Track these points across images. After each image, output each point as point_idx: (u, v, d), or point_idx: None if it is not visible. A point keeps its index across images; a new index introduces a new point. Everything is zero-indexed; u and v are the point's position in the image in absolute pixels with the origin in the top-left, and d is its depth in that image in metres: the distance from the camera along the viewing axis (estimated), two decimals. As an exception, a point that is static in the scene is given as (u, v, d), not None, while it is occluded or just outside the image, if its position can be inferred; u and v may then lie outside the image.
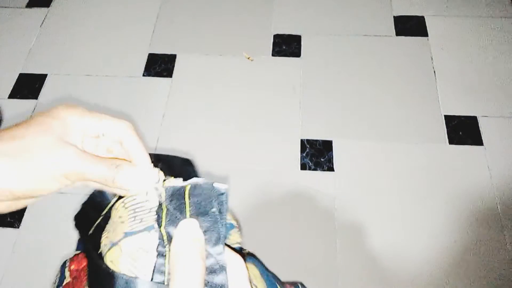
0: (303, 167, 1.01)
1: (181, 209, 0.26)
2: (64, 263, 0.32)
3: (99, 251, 0.26)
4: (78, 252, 0.33)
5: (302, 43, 1.23)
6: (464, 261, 0.89)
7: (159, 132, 1.09)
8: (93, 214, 0.29)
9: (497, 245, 0.90)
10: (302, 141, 1.05)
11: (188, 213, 0.25)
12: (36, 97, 1.16)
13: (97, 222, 0.29)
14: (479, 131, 1.04)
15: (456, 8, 1.27)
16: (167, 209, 0.26)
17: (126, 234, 0.25)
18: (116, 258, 0.24)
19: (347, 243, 0.92)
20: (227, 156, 1.04)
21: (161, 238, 0.25)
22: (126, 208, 0.26)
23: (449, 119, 1.07)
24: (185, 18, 1.31)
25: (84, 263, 0.29)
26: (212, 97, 1.15)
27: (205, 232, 0.25)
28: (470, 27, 1.23)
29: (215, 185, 0.26)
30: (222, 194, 0.26)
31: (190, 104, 1.14)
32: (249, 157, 1.04)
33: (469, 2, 1.28)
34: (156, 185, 0.27)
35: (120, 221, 0.26)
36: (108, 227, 0.27)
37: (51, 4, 1.37)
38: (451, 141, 1.03)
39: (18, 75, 1.21)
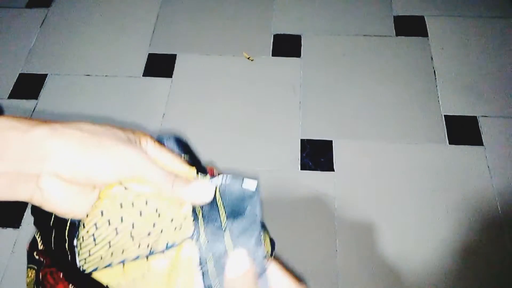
0: (303, 167, 1.01)
1: (215, 212, 0.25)
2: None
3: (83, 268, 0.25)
4: (32, 269, 0.30)
5: (302, 43, 1.23)
6: (463, 260, 0.89)
7: (159, 132, 1.09)
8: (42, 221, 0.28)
9: (497, 245, 0.90)
10: (302, 141, 1.05)
11: (223, 217, 0.25)
12: (36, 97, 1.16)
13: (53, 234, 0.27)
14: (479, 131, 1.04)
15: (456, 8, 1.27)
16: (202, 213, 0.25)
17: (168, 246, 0.24)
18: (163, 269, 0.24)
19: (347, 243, 0.92)
20: (227, 156, 1.04)
21: (201, 247, 0.24)
22: (159, 215, 0.25)
23: (449, 119, 1.07)
24: (185, 18, 1.31)
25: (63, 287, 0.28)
26: (212, 97, 1.15)
27: (242, 233, 0.24)
28: (470, 27, 1.23)
29: (244, 185, 0.26)
30: (253, 193, 0.25)
31: (190, 104, 1.14)
32: (249, 157, 1.04)
33: (469, 2, 1.28)
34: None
35: (142, 229, 0.25)
36: (111, 234, 0.25)
37: (51, 4, 1.37)
38: (451, 141, 1.03)
39: (18, 75, 1.21)
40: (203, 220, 0.25)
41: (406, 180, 0.99)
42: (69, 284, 0.28)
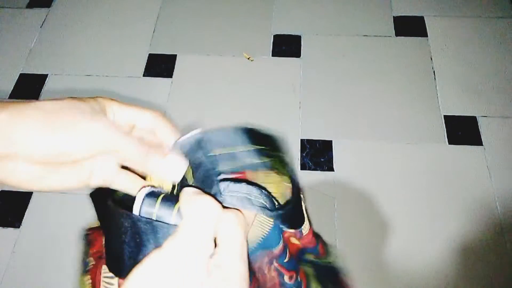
0: (303, 167, 1.02)
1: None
2: (87, 248, 0.32)
3: None
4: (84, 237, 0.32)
5: (302, 43, 1.23)
6: (463, 260, 0.89)
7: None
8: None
9: (496, 245, 0.90)
10: (302, 141, 1.06)
11: (190, 170, 0.27)
12: (36, 98, 1.16)
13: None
14: (478, 131, 1.04)
15: (456, 8, 1.27)
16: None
17: None
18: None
19: (347, 243, 0.92)
20: (227, 156, 1.04)
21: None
22: None
23: (448, 119, 1.07)
24: (185, 18, 1.31)
25: (102, 240, 0.29)
26: (212, 97, 1.15)
27: (204, 180, 0.28)
28: (470, 27, 1.23)
29: (192, 132, 0.28)
30: (201, 135, 0.28)
31: (190, 104, 1.14)
32: (249, 157, 1.04)
33: (469, 2, 1.28)
34: None
35: None
36: None
37: (52, 4, 1.37)
38: (451, 141, 1.03)
39: (18, 75, 1.22)
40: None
41: (406, 180, 0.99)
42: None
